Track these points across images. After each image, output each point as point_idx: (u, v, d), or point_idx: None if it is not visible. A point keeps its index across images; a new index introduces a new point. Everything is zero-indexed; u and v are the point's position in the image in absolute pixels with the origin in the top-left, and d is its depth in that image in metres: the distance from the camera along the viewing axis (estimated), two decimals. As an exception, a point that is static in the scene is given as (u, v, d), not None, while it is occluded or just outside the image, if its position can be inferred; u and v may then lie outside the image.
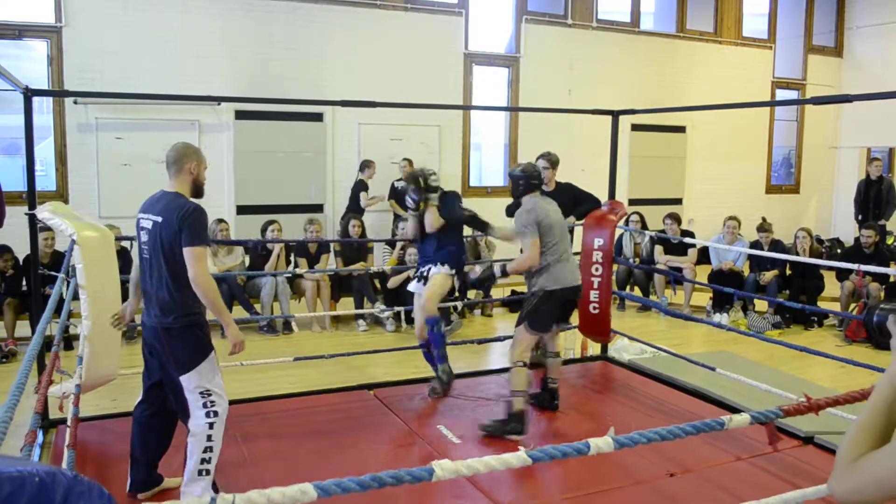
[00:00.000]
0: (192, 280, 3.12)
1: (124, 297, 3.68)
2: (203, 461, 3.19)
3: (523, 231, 4.40)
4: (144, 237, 3.25)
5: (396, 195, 8.70)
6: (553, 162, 5.51)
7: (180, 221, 3.14)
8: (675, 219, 8.39)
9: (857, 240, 8.16)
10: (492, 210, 9.55)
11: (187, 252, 3.13)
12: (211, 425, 3.20)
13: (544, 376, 4.91)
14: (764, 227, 7.96)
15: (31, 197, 4.31)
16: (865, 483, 1.18)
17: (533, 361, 6.06)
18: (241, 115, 8.62)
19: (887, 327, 1.36)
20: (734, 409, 4.67)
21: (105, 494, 0.95)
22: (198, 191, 3.38)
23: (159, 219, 3.18)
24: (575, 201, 5.68)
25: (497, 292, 8.27)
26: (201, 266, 3.14)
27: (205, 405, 3.21)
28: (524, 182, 4.56)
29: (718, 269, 7.99)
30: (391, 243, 7.86)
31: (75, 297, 3.82)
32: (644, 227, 8.48)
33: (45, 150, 7.92)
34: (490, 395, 5.14)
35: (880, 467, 1.18)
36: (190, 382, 3.21)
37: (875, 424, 1.25)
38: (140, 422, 3.46)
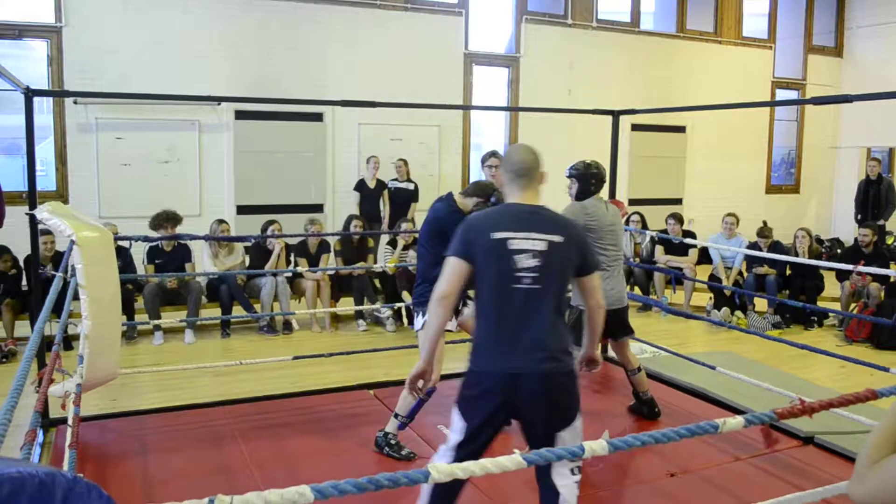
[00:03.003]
0: (594, 307, 2.77)
1: (125, 297, 3.63)
2: None
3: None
4: (530, 261, 2.56)
5: (389, 196, 8.76)
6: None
7: (582, 245, 2.71)
8: (678, 219, 8.39)
9: (856, 240, 8.17)
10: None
11: (591, 279, 2.73)
12: (578, 485, 2.62)
13: (634, 391, 4.67)
14: (764, 232, 7.95)
15: (32, 197, 4.30)
16: (884, 485, 1.19)
17: None
18: (241, 115, 8.62)
19: None
20: (734, 409, 4.67)
21: (104, 496, 0.95)
22: None
23: (558, 238, 2.59)
24: None
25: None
26: (601, 294, 2.79)
27: (574, 468, 2.62)
28: (596, 181, 4.26)
29: (718, 276, 8.00)
30: (393, 243, 7.86)
31: (75, 296, 3.82)
32: (644, 226, 8.49)
33: (45, 150, 7.93)
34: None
35: None
36: (573, 436, 2.59)
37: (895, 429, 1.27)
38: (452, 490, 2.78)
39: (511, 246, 2.55)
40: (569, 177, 4.43)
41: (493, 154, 5.74)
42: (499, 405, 2.57)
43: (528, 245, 2.55)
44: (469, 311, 4.38)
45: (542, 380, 2.54)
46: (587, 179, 4.29)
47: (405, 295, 6.99)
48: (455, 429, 2.65)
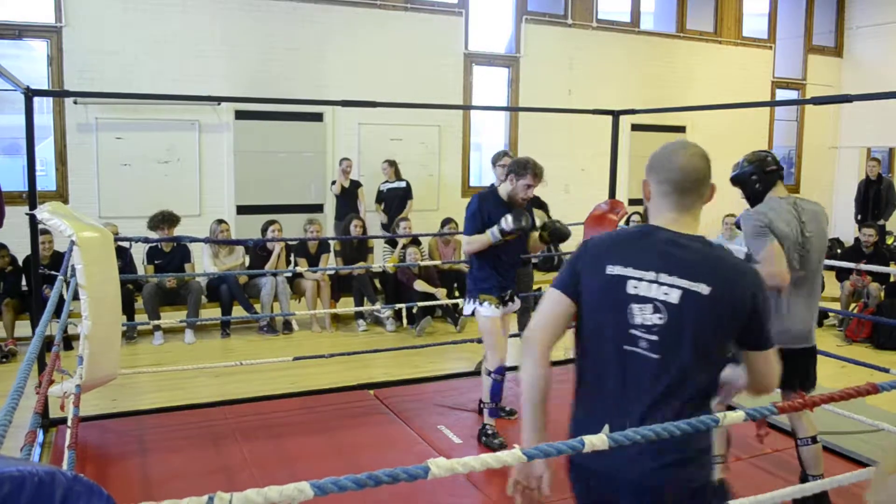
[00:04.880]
0: (769, 387, 1.90)
1: (125, 297, 3.61)
2: None
3: (755, 237, 3.15)
4: (648, 316, 1.76)
5: (381, 198, 8.77)
6: None
7: (755, 305, 1.77)
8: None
9: (857, 240, 8.17)
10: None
11: (766, 358, 1.85)
12: None
13: (802, 472, 3.49)
14: None
15: (32, 197, 4.30)
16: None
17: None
18: (241, 115, 8.62)
19: None
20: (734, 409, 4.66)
21: (104, 495, 0.95)
22: None
23: (704, 289, 1.73)
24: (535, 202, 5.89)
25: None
26: (774, 377, 1.90)
27: None
28: (759, 176, 3.26)
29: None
30: (392, 242, 7.86)
31: (75, 297, 3.82)
32: (644, 227, 8.50)
33: (45, 150, 7.92)
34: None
35: None
36: None
37: None
38: None
39: (630, 289, 1.79)
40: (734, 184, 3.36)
41: (506, 154, 5.68)
42: None
43: (653, 292, 1.76)
44: (515, 306, 4.42)
45: (651, 492, 1.78)
46: (746, 178, 3.33)
47: (419, 284, 7.06)
48: None
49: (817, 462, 3.38)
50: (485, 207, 4.16)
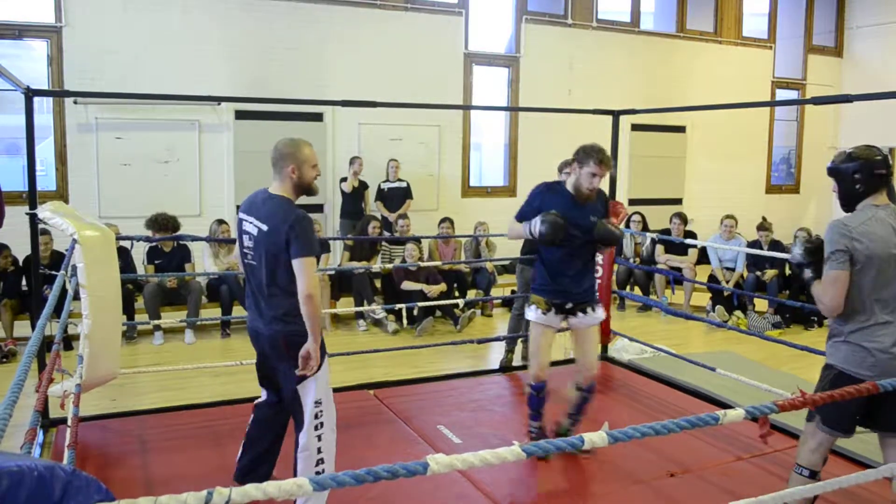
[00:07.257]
0: (302, 292, 2.97)
1: (125, 297, 3.65)
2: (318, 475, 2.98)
3: (827, 257, 2.82)
4: (248, 242, 3.12)
5: (383, 197, 8.78)
6: None
7: (288, 231, 2.96)
8: (682, 219, 8.38)
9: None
10: (492, 211, 9.59)
11: (297, 263, 2.97)
12: (320, 437, 3.25)
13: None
14: (764, 225, 7.97)
15: (32, 197, 4.31)
16: None
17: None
18: (241, 115, 8.63)
19: None
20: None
21: (102, 489, 0.95)
22: (305, 192, 3.16)
23: (265, 227, 3.03)
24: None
25: (496, 291, 8.27)
26: (312, 278, 2.99)
27: (316, 416, 3.24)
28: (863, 176, 2.86)
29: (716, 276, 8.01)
30: (395, 242, 7.86)
31: (76, 296, 3.82)
32: (646, 227, 8.51)
33: (45, 150, 7.92)
34: (489, 395, 5.15)
35: None
36: (307, 393, 3.20)
37: None
38: (259, 418, 3.63)
39: (241, 226, 3.17)
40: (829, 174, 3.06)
41: (570, 163, 5.53)
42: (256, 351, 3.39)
43: (248, 227, 3.11)
44: (584, 321, 3.97)
45: (269, 339, 3.18)
46: (847, 177, 2.95)
47: (406, 285, 6.97)
48: None
49: (800, 493, 2.79)
50: (547, 196, 3.85)
